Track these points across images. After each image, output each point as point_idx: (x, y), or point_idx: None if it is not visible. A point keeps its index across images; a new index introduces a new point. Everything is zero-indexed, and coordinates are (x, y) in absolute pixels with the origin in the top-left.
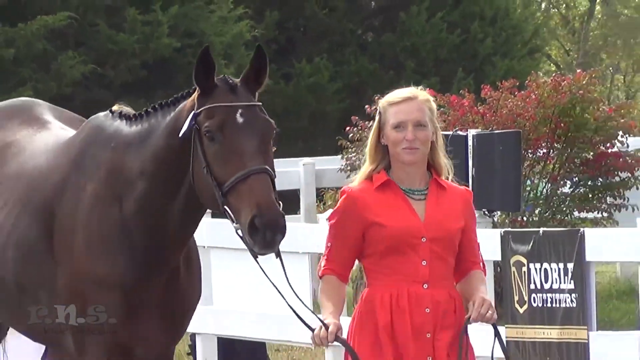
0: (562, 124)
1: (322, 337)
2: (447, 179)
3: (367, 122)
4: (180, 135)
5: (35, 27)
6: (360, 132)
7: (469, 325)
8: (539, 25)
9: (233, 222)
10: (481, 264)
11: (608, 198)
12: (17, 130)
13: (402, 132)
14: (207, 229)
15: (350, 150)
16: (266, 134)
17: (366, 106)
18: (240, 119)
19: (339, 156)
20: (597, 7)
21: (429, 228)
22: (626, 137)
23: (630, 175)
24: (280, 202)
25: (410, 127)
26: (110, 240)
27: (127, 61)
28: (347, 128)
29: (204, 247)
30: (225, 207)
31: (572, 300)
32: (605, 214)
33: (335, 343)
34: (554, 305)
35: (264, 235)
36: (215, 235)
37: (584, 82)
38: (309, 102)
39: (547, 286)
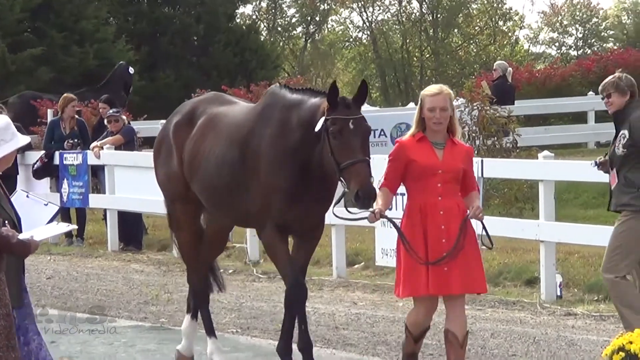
0: None
1: (372, 218)
2: (459, 138)
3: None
4: (316, 130)
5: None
6: None
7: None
8: (279, 53)
9: (344, 187)
10: (477, 188)
11: None
12: (219, 106)
13: (433, 113)
14: (113, 156)
15: None
16: (366, 135)
17: (198, 89)
18: (351, 126)
19: None
20: (308, 45)
21: (443, 165)
22: None
23: None
24: (373, 178)
25: (438, 111)
26: (280, 162)
27: None
28: None
29: (110, 165)
30: (341, 178)
31: None
32: None
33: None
34: None
35: (363, 201)
36: (118, 160)
37: (301, 82)
38: (163, 93)
39: None
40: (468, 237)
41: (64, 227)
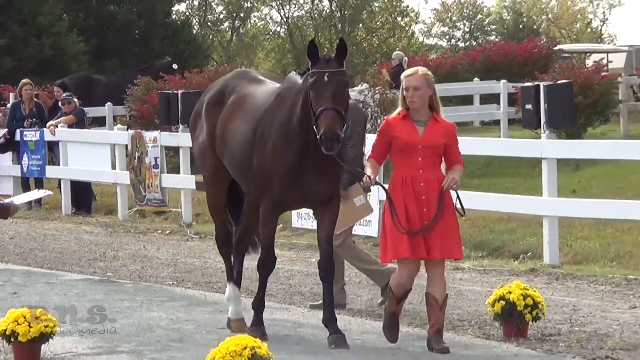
0: None
1: (367, 182)
2: (441, 114)
3: (134, 86)
4: (300, 82)
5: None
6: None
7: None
8: (209, 45)
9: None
10: (461, 162)
11: None
12: (247, 86)
13: (407, 92)
14: (66, 133)
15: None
16: (339, 86)
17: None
18: (325, 79)
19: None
20: (234, 37)
21: (423, 141)
22: None
23: None
24: (344, 125)
25: (411, 90)
26: (282, 149)
27: None
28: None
29: (64, 141)
30: (314, 125)
31: None
32: None
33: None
34: None
35: (326, 144)
36: (70, 136)
37: (228, 70)
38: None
39: None
40: (446, 206)
41: (41, 193)
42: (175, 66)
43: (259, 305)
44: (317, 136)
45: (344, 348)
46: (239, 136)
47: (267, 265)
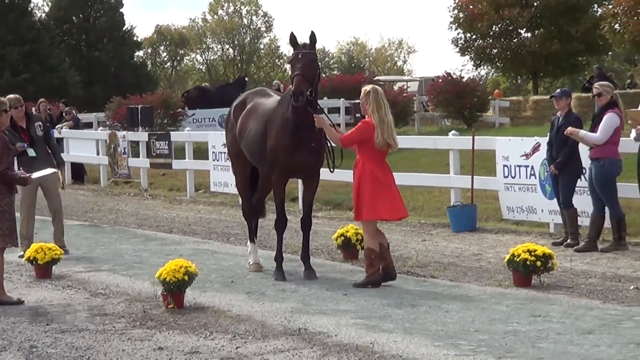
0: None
1: (315, 116)
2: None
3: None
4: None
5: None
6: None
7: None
8: (158, 77)
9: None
10: (344, 135)
11: None
12: (260, 98)
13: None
14: (68, 132)
15: (107, 112)
16: (307, 61)
17: (114, 96)
18: (299, 57)
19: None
20: (174, 72)
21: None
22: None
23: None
24: (312, 84)
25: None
26: (282, 129)
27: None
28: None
29: (66, 137)
30: (290, 85)
31: None
32: None
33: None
34: None
35: (294, 96)
36: (70, 134)
37: (169, 93)
38: (95, 99)
39: None
40: (367, 174)
41: (49, 171)
42: (246, 79)
43: (279, 258)
44: (290, 94)
45: (314, 279)
46: (253, 132)
47: (280, 223)
